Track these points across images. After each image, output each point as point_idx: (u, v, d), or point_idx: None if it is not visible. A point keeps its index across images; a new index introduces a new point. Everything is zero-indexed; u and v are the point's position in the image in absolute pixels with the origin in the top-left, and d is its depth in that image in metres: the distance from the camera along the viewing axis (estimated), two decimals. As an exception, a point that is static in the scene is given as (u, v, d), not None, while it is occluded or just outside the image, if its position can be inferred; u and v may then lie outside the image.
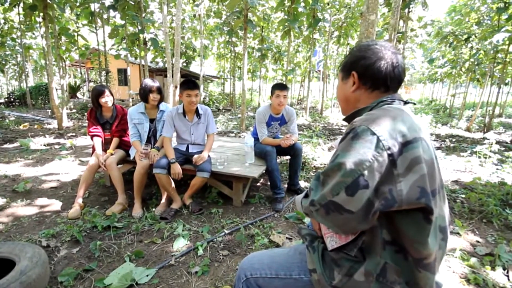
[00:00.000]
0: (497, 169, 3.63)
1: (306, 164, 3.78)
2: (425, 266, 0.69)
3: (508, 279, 1.65)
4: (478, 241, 2.09)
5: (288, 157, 3.92)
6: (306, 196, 0.81)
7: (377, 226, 0.72)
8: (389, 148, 0.66)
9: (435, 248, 0.69)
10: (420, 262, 0.69)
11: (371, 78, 0.83)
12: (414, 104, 0.89)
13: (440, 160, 0.78)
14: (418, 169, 0.66)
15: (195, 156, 2.44)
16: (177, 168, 2.35)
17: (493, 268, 1.73)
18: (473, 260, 1.79)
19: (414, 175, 0.66)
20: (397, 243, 0.70)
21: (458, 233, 2.17)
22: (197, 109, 2.55)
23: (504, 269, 1.73)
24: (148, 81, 2.55)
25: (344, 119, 0.93)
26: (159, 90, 2.59)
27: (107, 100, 2.64)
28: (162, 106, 2.72)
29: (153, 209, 2.44)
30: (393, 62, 0.81)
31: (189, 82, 2.39)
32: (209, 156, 2.53)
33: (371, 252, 0.73)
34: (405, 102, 0.84)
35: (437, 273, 0.72)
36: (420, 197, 0.65)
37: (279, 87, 2.67)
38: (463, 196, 2.83)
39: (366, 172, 0.65)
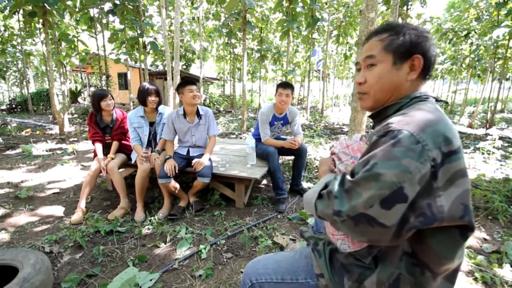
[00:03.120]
0: (501, 165, 3.60)
1: (308, 164, 3.76)
2: (446, 277, 0.66)
3: (516, 277, 1.62)
4: (484, 239, 2.07)
5: (290, 158, 3.92)
6: (320, 196, 0.72)
7: None
8: (433, 159, 0.58)
9: (461, 259, 0.66)
10: (441, 274, 0.66)
11: (428, 66, 0.74)
12: (447, 103, 0.81)
13: None
14: (461, 183, 0.60)
15: (194, 161, 2.43)
16: (171, 162, 2.35)
17: (500, 266, 1.70)
18: (480, 258, 1.77)
19: (457, 189, 0.59)
20: (416, 257, 0.66)
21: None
22: (198, 110, 2.55)
23: (511, 266, 1.71)
24: (146, 84, 2.56)
25: (370, 116, 0.83)
26: (157, 93, 2.59)
27: (109, 103, 2.65)
28: (161, 109, 2.72)
29: (156, 215, 2.43)
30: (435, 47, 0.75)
31: (187, 80, 2.48)
32: (210, 159, 2.53)
33: (386, 261, 0.70)
34: (436, 100, 0.76)
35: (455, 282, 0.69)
36: (464, 216, 0.60)
37: (282, 85, 2.67)
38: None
39: (406, 185, 0.58)
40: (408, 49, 0.73)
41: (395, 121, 0.65)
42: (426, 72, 0.75)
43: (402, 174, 0.58)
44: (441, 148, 0.60)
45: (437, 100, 0.75)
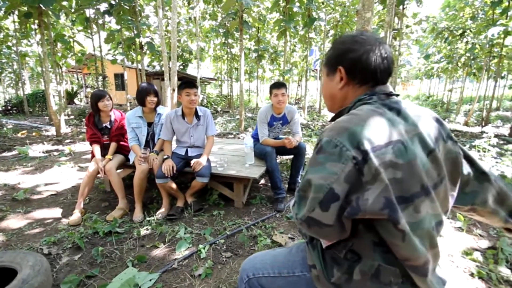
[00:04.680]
0: (497, 162, 3.63)
1: (306, 163, 3.77)
2: (411, 268, 0.67)
3: (512, 272, 1.65)
4: (480, 235, 2.09)
5: (288, 157, 3.93)
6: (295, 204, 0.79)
7: (363, 230, 0.70)
8: (353, 158, 0.64)
9: (422, 252, 0.66)
10: (405, 262, 0.67)
11: (360, 73, 0.77)
12: (397, 95, 0.80)
13: (438, 153, 0.75)
14: (382, 178, 0.63)
15: (193, 161, 2.42)
16: (169, 162, 2.34)
17: (496, 262, 1.73)
18: (476, 254, 1.79)
19: (380, 184, 0.63)
20: (385, 244, 0.69)
21: (460, 228, 2.17)
22: (196, 111, 2.55)
23: (507, 262, 1.73)
24: (144, 85, 2.56)
25: (330, 121, 0.86)
26: (156, 93, 2.59)
27: (106, 104, 2.65)
28: (160, 109, 2.72)
29: (155, 215, 2.43)
30: (381, 53, 0.76)
31: (187, 81, 2.44)
32: (208, 160, 2.53)
33: (364, 255, 0.72)
34: (388, 95, 0.77)
35: (430, 275, 0.70)
36: (384, 208, 0.62)
37: (276, 86, 2.66)
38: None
39: (335, 185, 0.64)
40: (334, 61, 0.82)
41: (325, 130, 0.72)
42: (364, 79, 0.78)
43: (328, 176, 0.65)
44: (360, 147, 0.64)
45: (391, 94, 0.77)
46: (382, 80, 0.78)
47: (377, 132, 0.66)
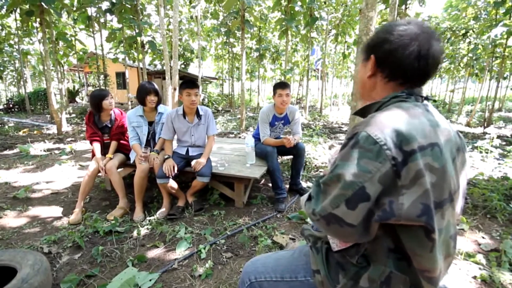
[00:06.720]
0: (499, 163, 3.61)
1: (307, 163, 3.76)
2: (427, 279, 0.66)
3: (515, 275, 1.63)
4: (482, 237, 2.07)
5: (289, 157, 3.91)
6: (309, 199, 0.76)
7: (381, 235, 0.68)
8: (393, 158, 0.59)
9: (440, 262, 0.65)
10: (423, 273, 0.66)
11: (390, 67, 0.73)
12: (435, 101, 0.78)
13: (458, 162, 0.75)
14: (423, 182, 0.60)
15: (194, 161, 2.42)
16: (170, 162, 2.33)
17: (499, 264, 1.71)
18: (478, 256, 1.77)
19: (420, 188, 0.60)
20: (399, 251, 0.67)
21: (462, 229, 2.15)
22: (197, 110, 2.54)
23: (510, 264, 1.72)
24: (145, 84, 2.54)
25: (354, 113, 0.86)
26: (156, 92, 2.58)
27: (110, 101, 2.67)
28: (161, 108, 2.71)
29: (155, 214, 2.42)
30: (420, 51, 0.68)
31: (188, 81, 2.42)
32: (209, 159, 2.52)
33: (376, 260, 0.71)
34: (424, 98, 0.74)
35: (440, 283, 0.69)
36: (421, 215, 0.60)
37: (281, 86, 2.64)
38: (466, 191, 2.81)
39: (367, 184, 0.60)
40: (369, 49, 0.79)
41: (360, 123, 0.67)
42: (392, 74, 0.74)
43: (361, 174, 0.61)
44: (402, 147, 0.60)
45: (426, 98, 0.75)
46: (413, 80, 0.73)
47: (421, 131, 0.63)
